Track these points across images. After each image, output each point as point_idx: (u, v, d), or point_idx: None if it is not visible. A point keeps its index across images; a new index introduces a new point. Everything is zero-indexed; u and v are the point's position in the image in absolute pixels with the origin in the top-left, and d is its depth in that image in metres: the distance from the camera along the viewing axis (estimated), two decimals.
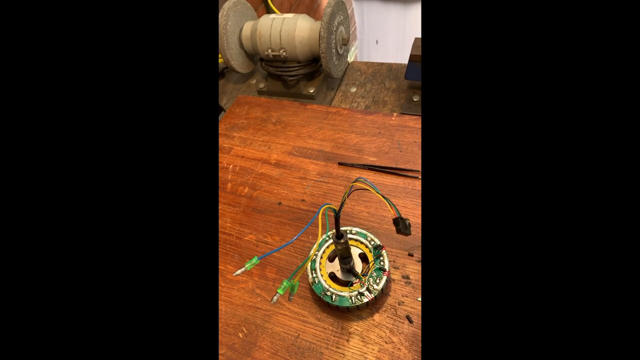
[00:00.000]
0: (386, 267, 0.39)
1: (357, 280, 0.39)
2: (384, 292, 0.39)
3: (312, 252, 0.33)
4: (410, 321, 0.38)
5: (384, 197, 0.35)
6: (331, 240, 0.41)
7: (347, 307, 0.38)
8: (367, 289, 0.38)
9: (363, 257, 0.41)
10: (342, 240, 0.35)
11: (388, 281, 0.39)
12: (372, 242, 0.41)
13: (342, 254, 0.37)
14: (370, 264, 0.39)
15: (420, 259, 0.41)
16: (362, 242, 0.41)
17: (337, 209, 0.32)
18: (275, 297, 0.32)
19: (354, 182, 0.33)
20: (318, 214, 0.31)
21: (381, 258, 0.39)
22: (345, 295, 0.37)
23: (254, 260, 0.32)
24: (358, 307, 0.38)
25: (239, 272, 0.31)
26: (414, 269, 0.41)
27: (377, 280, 0.38)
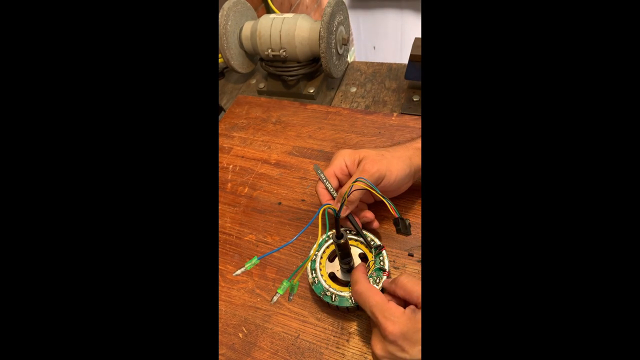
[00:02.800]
0: (386, 267, 0.39)
1: None
2: (384, 292, 0.39)
3: (312, 252, 0.33)
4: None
5: (383, 197, 0.35)
6: (331, 240, 0.41)
7: (347, 307, 0.37)
8: None
9: (363, 257, 0.41)
10: (342, 240, 0.35)
11: None
12: (372, 242, 0.41)
13: (343, 254, 0.37)
14: (370, 264, 0.39)
15: (420, 259, 0.41)
16: (362, 242, 0.41)
17: (336, 209, 0.32)
18: (275, 297, 0.32)
19: (354, 182, 0.33)
20: (318, 214, 0.31)
21: (381, 258, 0.39)
22: (346, 295, 0.37)
23: (254, 260, 0.32)
24: (358, 307, 0.38)
25: (239, 272, 0.31)
26: (414, 269, 0.41)
27: (377, 280, 0.38)
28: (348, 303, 0.37)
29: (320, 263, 0.40)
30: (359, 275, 0.34)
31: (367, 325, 0.38)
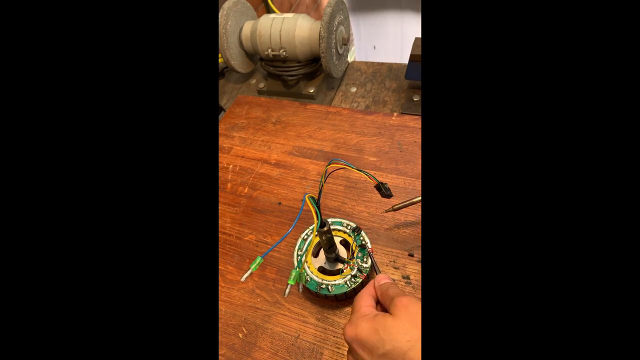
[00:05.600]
0: (369, 244, 0.40)
1: (346, 265, 0.40)
2: (374, 269, 0.40)
3: (312, 234, 0.33)
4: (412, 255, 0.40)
5: (359, 170, 0.35)
6: (310, 238, 0.41)
7: (345, 293, 0.38)
8: (358, 270, 0.38)
9: (345, 244, 0.43)
10: (325, 228, 0.35)
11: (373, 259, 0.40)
12: (349, 227, 0.42)
13: (327, 244, 0.38)
14: (353, 246, 0.41)
15: (420, 259, 0.41)
16: (339, 230, 0.43)
17: (326, 202, 0.33)
18: (287, 290, 0.32)
19: (329, 164, 0.33)
20: (304, 202, 0.33)
21: (362, 238, 0.41)
22: (340, 282, 0.38)
23: (258, 260, 0.33)
24: (355, 290, 0.38)
25: (246, 275, 0.32)
26: (414, 269, 0.41)
27: (365, 259, 0.39)
28: (345, 288, 0.38)
29: (307, 262, 0.40)
30: (362, 290, 0.33)
31: None
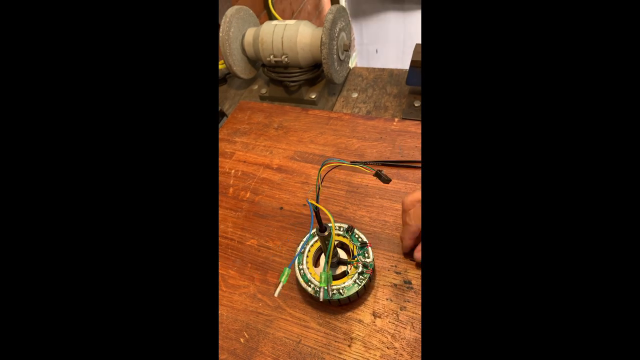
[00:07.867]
0: (365, 240, 0.40)
1: (350, 265, 0.40)
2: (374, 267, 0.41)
3: (311, 232, 0.33)
4: (409, 282, 0.40)
5: (353, 163, 0.35)
6: (308, 251, 0.42)
7: (357, 292, 0.38)
8: (364, 266, 0.39)
9: (341, 246, 0.43)
10: (325, 233, 0.36)
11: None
12: (341, 229, 0.42)
13: (329, 247, 0.38)
14: (351, 246, 0.41)
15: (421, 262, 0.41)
16: (340, 235, 0.43)
17: (323, 206, 0.33)
18: (278, 289, 0.32)
19: (322, 166, 0.33)
20: (312, 208, 0.33)
21: (357, 235, 0.41)
22: (349, 283, 0.38)
23: (286, 271, 0.33)
24: (365, 287, 0.39)
25: (278, 290, 0.32)
26: (416, 274, 0.41)
27: (366, 255, 0.40)
28: (357, 287, 0.38)
29: (310, 274, 0.40)
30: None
31: (368, 330, 0.38)
